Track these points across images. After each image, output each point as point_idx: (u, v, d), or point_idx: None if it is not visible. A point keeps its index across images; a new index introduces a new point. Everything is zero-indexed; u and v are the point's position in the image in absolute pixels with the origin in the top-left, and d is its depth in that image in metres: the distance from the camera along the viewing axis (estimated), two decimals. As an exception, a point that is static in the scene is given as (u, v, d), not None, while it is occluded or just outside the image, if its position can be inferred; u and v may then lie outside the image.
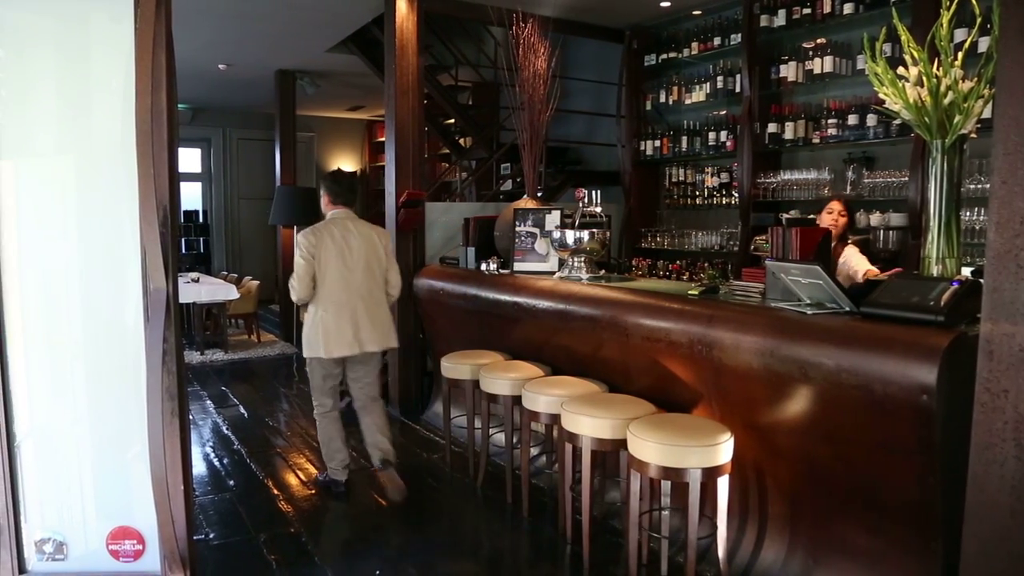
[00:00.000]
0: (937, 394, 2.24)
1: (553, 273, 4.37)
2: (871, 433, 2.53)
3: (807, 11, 4.99)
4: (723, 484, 2.86)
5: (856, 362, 2.46)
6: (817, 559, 2.83)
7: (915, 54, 2.60)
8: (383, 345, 4.00)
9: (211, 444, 5.04)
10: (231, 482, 4.33)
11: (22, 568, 2.70)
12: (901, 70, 2.67)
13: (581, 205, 4.16)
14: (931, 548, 2.44)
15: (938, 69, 2.56)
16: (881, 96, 2.75)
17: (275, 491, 4.18)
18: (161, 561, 2.68)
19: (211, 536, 3.59)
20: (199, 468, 4.53)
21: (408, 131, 5.42)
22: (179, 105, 3.00)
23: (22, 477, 2.67)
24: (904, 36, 2.68)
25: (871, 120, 4.70)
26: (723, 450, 2.78)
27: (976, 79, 2.54)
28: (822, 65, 4.95)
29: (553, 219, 4.54)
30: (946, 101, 2.56)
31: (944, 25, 2.54)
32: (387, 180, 5.55)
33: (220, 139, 11.70)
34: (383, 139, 9.44)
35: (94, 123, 2.61)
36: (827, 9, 4.87)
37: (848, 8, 4.74)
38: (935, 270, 2.67)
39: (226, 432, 5.30)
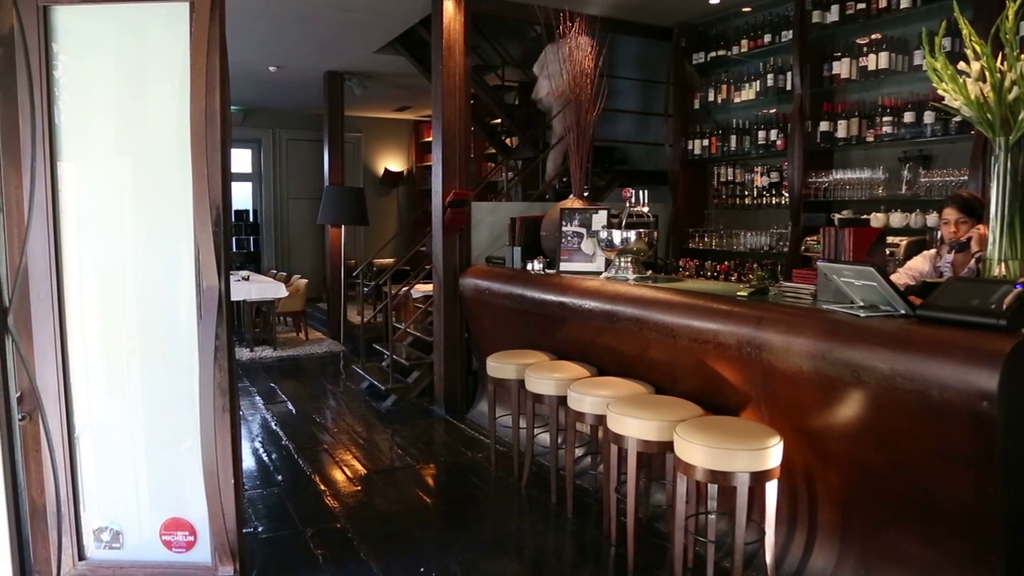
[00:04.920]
0: (998, 401, 2.16)
1: (599, 273, 4.35)
2: (927, 440, 2.45)
3: (861, 6, 4.86)
4: (771, 489, 2.81)
5: (912, 366, 2.39)
6: (868, 569, 2.76)
7: (977, 48, 2.52)
8: None
9: (260, 439, 5.13)
10: (279, 477, 4.41)
11: (81, 555, 2.80)
12: (962, 65, 2.58)
13: (628, 205, 4.13)
14: (989, 560, 2.36)
15: (1002, 63, 2.48)
16: (940, 92, 2.67)
17: (322, 487, 4.24)
18: (211, 552, 2.74)
19: (260, 529, 3.66)
20: (248, 463, 4.62)
21: (455, 131, 5.45)
22: (231, 107, 3.06)
23: (81, 468, 2.76)
24: (966, 29, 2.59)
25: (928, 117, 4.56)
26: (772, 454, 2.73)
27: (1043, 73, 2.45)
28: (877, 61, 4.81)
29: (600, 219, 4.51)
30: (1011, 96, 2.47)
31: (1010, 17, 2.46)
32: (434, 180, 5.60)
33: (270, 140, 11.93)
34: (430, 139, 9.50)
35: (150, 125, 2.69)
36: (883, 4, 4.73)
37: (905, 2, 4.61)
38: (997, 272, 2.58)
39: (274, 428, 5.40)
